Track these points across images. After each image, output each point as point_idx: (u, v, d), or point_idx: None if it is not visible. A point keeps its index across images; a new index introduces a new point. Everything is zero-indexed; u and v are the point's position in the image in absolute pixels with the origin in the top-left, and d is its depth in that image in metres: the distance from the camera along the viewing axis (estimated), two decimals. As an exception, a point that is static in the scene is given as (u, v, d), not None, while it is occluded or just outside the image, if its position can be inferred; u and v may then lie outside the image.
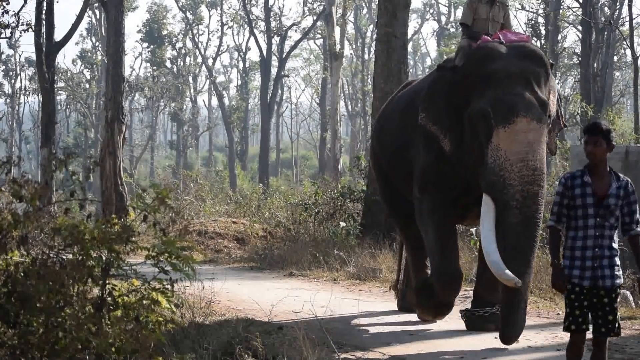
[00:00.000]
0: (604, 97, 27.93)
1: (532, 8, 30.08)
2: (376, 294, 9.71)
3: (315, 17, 40.95)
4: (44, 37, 19.91)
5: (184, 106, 51.03)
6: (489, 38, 6.69)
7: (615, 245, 4.57)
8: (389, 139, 7.70)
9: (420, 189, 6.86)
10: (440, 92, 6.58)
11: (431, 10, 51.56)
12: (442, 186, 6.69)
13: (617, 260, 4.57)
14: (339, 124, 30.45)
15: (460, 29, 8.15)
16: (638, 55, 19.88)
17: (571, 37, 72.24)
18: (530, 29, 27.99)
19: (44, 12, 19.83)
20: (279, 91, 47.47)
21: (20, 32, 17.28)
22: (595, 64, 27.43)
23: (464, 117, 6.34)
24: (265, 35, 43.79)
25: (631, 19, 23.02)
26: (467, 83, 6.34)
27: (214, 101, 57.44)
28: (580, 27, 29.33)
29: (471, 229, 12.00)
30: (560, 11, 28.93)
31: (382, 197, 8.57)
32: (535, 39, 28.14)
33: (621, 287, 4.68)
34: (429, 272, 7.41)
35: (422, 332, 7.19)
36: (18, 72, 52.10)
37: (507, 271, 5.72)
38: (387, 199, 8.20)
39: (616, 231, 4.59)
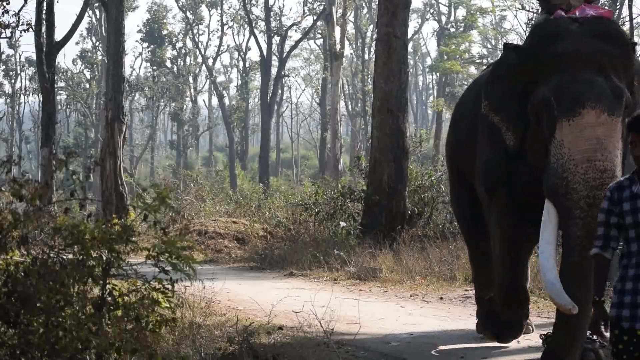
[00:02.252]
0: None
1: (532, 8, 30.06)
2: (376, 293, 9.71)
3: (315, 17, 40.93)
4: (44, 36, 19.91)
5: (184, 106, 51.01)
6: (562, 13, 5.60)
7: None
8: (461, 130, 6.76)
9: (486, 190, 6.02)
10: (503, 75, 5.66)
11: (431, 10, 51.51)
12: (511, 187, 5.74)
13: None
14: (339, 124, 30.42)
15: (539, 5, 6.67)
16: (638, 54, 19.85)
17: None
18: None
19: (44, 11, 19.82)
20: (279, 91, 47.45)
21: (21, 32, 17.27)
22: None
23: (528, 106, 5.42)
24: (266, 35, 43.78)
25: (631, 19, 23.01)
26: (531, 65, 5.40)
27: (214, 101, 57.46)
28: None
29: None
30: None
31: (451, 197, 7.69)
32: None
33: None
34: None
35: (422, 332, 7.19)
36: (18, 72, 52.08)
37: (565, 295, 4.73)
38: (454, 199, 7.38)
39: None
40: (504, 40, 49.11)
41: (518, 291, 5.95)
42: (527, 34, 5.73)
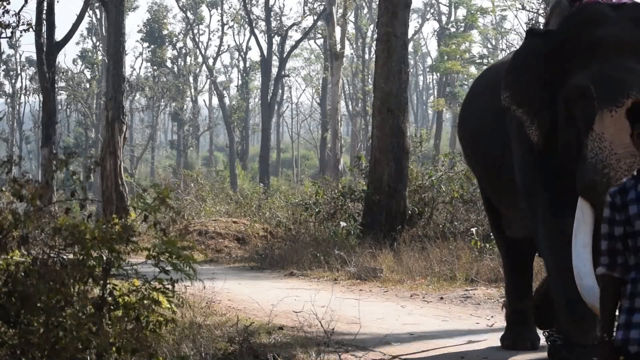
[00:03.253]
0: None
1: (532, 8, 30.05)
2: (377, 293, 9.71)
3: (315, 17, 40.94)
4: (45, 36, 19.92)
5: (185, 106, 51.03)
6: None
7: None
8: (471, 128, 6.27)
9: (526, 194, 5.38)
10: (528, 64, 5.14)
11: (432, 10, 51.51)
12: (554, 186, 5.15)
13: None
14: (339, 124, 30.41)
15: None
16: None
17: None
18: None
19: (44, 11, 19.83)
20: (280, 91, 47.47)
21: (21, 32, 17.29)
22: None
23: (557, 97, 5.00)
24: (266, 35, 43.79)
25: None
26: (564, 53, 4.95)
27: (215, 101, 57.45)
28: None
29: (472, 229, 12.02)
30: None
31: (483, 199, 7.02)
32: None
33: None
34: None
35: (422, 332, 7.19)
36: (19, 71, 52.11)
37: None
38: (484, 202, 6.88)
39: None
40: (504, 41, 49.20)
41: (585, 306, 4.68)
42: (558, 17, 5.22)
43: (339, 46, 29.28)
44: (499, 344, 6.38)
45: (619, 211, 3.00)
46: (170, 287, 4.37)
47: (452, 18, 45.24)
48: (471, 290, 9.45)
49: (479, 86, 6.47)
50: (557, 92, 4.97)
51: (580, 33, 4.91)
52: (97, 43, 46.52)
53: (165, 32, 49.54)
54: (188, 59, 52.28)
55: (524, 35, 5.34)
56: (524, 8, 31.00)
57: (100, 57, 44.06)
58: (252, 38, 44.61)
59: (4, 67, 52.27)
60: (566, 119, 4.92)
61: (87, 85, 46.84)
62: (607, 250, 3.01)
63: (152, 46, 49.11)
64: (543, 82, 5.02)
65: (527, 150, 5.21)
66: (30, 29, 17.93)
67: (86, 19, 43.66)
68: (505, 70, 5.32)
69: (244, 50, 52.13)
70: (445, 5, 47.09)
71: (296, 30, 44.64)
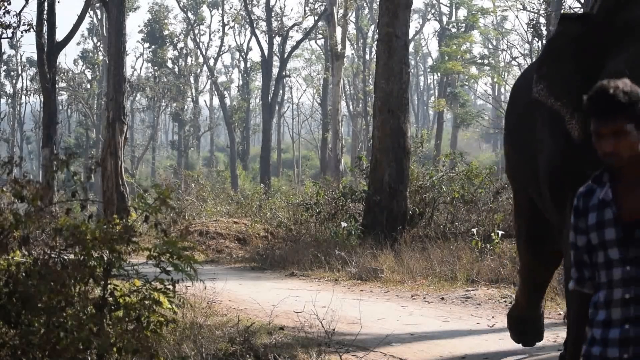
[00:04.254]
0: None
1: (533, 8, 30.06)
2: (378, 294, 9.71)
3: (316, 17, 40.94)
4: (46, 37, 19.94)
5: (186, 106, 51.06)
6: None
7: None
8: (512, 128, 5.71)
9: (553, 196, 4.80)
10: (564, 51, 4.55)
11: (432, 11, 51.54)
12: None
13: None
14: (340, 124, 30.43)
15: None
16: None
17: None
18: (532, 29, 27.97)
19: (45, 12, 19.85)
20: (280, 91, 47.49)
21: (22, 32, 17.35)
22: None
23: None
24: (267, 35, 43.81)
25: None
26: (600, 36, 4.40)
27: (216, 101, 57.50)
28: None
29: (472, 229, 12.01)
30: (562, 11, 28.91)
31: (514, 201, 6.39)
32: (537, 40, 28.17)
33: None
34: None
35: (423, 333, 7.18)
36: (19, 72, 52.19)
37: None
38: (514, 207, 6.23)
39: None
40: (505, 41, 49.21)
41: None
42: (599, 3, 4.65)
43: (339, 46, 29.28)
44: (499, 344, 6.38)
45: (581, 218, 2.66)
46: (171, 287, 4.37)
47: (453, 18, 45.24)
48: (472, 290, 9.44)
49: (520, 86, 5.80)
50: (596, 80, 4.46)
51: (617, 14, 4.40)
52: (98, 43, 46.54)
53: (166, 32, 49.58)
54: (189, 59, 52.32)
55: (558, 21, 4.72)
56: (524, 8, 31.00)
57: (101, 58, 44.08)
58: (253, 38, 44.68)
59: (5, 67, 52.33)
60: None
61: (88, 86, 46.87)
62: (576, 262, 2.70)
63: (153, 46, 49.15)
64: (581, 70, 4.44)
65: (560, 147, 4.63)
66: (31, 30, 17.97)
67: (87, 20, 43.75)
68: (538, 60, 4.80)
69: (245, 50, 52.21)
70: (446, 5, 47.09)
71: (297, 31, 44.71)
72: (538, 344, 6.41)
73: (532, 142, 5.12)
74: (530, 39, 33.77)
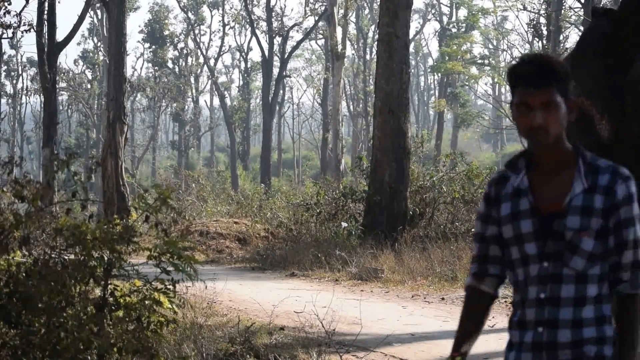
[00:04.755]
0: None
1: (533, 9, 30.07)
2: (378, 294, 9.70)
3: (317, 18, 40.96)
4: (46, 37, 19.95)
5: (186, 106, 51.08)
6: None
7: (608, 330, 2.22)
8: None
9: None
10: (592, 48, 4.32)
11: (433, 11, 51.58)
12: None
13: None
14: (340, 125, 30.42)
15: None
16: None
17: (573, 38, 72.35)
18: (532, 30, 27.98)
19: (45, 12, 19.85)
20: (281, 91, 47.50)
21: (22, 33, 17.33)
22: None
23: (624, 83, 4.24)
24: (267, 35, 43.83)
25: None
26: (627, 32, 4.19)
27: (216, 101, 57.53)
28: (582, 28, 29.34)
29: (473, 229, 12.01)
30: (562, 12, 28.92)
31: None
32: (537, 40, 28.17)
33: None
34: None
35: (423, 333, 7.18)
36: (20, 72, 52.22)
37: None
38: None
39: (605, 290, 2.25)
40: (506, 41, 49.23)
41: None
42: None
43: (340, 47, 29.27)
44: (499, 344, 6.37)
45: (492, 207, 2.36)
46: (171, 287, 4.37)
47: (453, 18, 45.25)
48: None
49: None
50: (624, 78, 4.19)
51: None
52: (98, 43, 46.55)
53: (166, 32, 49.59)
54: (189, 59, 52.34)
55: (590, 15, 4.47)
56: (525, 8, 31.03)
57: (101, 58, 44.09)
58: (254, 38, 44.71)
59: (5, 67, 52.33)
60: (634, 108, 4.15)
61: (88, 86, 46.89)
62: (478, 256, 2.40)
63: (153, 47, 49.17)
64: (609, 67, 4.22)
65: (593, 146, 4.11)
66: (32, 30, 17.96)
67: (87, 20, 43.78)
68: (568, 57, 4.60)
69: (245, 50, 52.22)
70: (446, 5, 47.12)
71: (297, 31, 44.76)
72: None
73: None
74: (530, 39, 33.78)
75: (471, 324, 2.41)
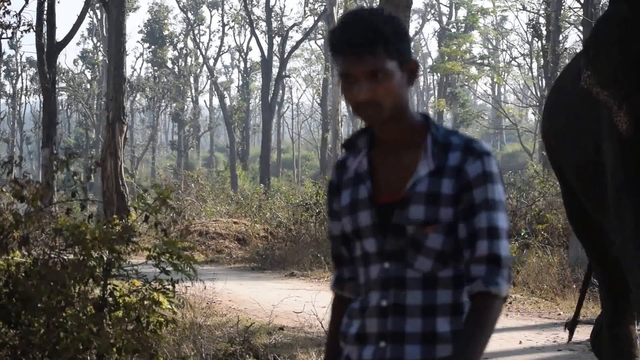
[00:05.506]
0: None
1: (533, 9, 30.08)
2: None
3: (316, 18, 40.96)
4: (45, 37, 19.93)
5: (185, 106, 51.07)
6: None
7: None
8: (559, 118, 4.89)
9: (614, 188, 3.99)
10: (612, 34, 3.82)
11: (432, 11, 51.57)
12: None
13: None
14: (340, 124, 30.41)
15: None
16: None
17: (572, 38, 72.46)
18: (532, 30, 27.99)
19: (45, 12, 19.85)
20: (280, 91, 47.50)
21: (22, 33, 17.34)
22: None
23: None
24: (267, 35, 43.82)
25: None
26: None
27: (215, 101, 57.52)
28: (581, 28, 29.35)
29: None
30: (562, 12, 28.93)
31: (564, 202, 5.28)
32: (536, 40, 28.18)
33: None
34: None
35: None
36: (19, 72, 52.22)
37: None
38: (565, 206, 5.21)
39: (464, 297, 1.85)
40: (505, 41, 49.25)
41: None
42: None
43: (339, 47, 29.27)
44: (499, 344, 6.38)
45: (335, 197, 1.96)
46: (170, 287, 4.38)
47: (453, 18, 45.26)
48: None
49: (568, 71, 4.95)
50: None
51: None
52: (98, 43, 46.54)
53: (165, 32, 49.58)
54: (189, 59, 52.32)
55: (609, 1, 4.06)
56: (524, 8, 31.03)
57: (100, 58, 44.08)
58: (253, 38, 44.66)
59: (5, 67, 52.34)
60: None
61: (88, 86, 46.88)
62: (333, 258, 2.00)
63: (153, 47, 49.15)
64: (630, 56, 3.71)
65: (617, 144, 3.83)
66: (31, 30, 17.97)
67: (87, 20, 43.75)
68: (585, 44, 4.12)
69: (245, 50, 52.20)
70: (445, 5, 47.14)
71: (297, 31, 44.70)
72: (538, 344, 6.42)
73: (586, 137, 4.30)
74: (530, 39, 33.78)
75: (335, 334, 1.98)
